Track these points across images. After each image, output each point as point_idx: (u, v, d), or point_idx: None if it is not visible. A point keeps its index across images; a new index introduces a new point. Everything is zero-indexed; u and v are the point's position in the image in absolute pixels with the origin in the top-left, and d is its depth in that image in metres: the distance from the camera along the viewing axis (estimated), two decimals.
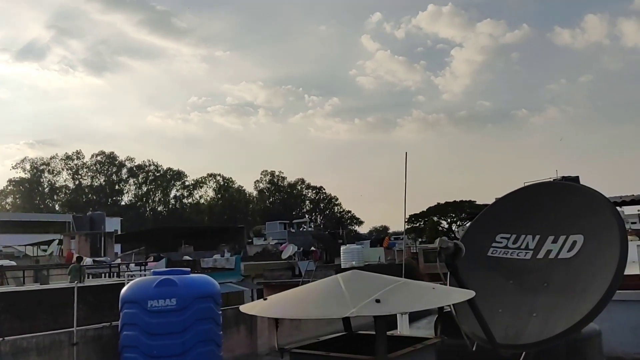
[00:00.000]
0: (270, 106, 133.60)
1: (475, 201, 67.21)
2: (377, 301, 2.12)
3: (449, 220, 73.85)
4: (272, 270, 24.16)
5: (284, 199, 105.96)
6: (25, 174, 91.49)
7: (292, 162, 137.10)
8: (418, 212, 74.79)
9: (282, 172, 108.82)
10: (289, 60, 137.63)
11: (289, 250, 31.23)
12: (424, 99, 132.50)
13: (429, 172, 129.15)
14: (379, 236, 63.16)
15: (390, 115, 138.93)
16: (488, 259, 3.44)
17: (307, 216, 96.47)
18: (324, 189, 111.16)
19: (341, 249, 27.43)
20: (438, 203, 75.31)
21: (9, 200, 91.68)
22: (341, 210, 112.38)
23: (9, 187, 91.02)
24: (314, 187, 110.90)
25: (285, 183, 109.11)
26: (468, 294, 2.45)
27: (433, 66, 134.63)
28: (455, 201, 74.26)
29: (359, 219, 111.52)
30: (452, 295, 2.45)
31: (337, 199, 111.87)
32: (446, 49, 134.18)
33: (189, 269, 9.73)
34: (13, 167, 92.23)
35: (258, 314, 2.28)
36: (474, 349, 3.02)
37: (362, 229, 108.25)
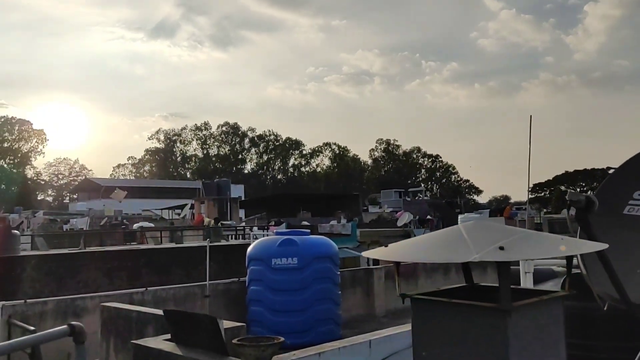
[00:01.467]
0: (386, 74, 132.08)
1: (609, 169, 61.93)
2: (501, 248, 2.09)
3: (578, 190, 68.95)
4: (387, 237, 24.25)
5: (399, 168, 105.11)
6: (160, 144, 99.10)
7: (408, 130, 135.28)
8: (543, 181, 70.72)
9: (397, 141, 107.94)
10: (405, 26, 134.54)
11: (405, 218, 31.05)
12: (552, 59, 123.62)
13: (557, 139, 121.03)
14: (500, 206, 60.72)
15: (514, 78, 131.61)
16: (624, 217, 3.21)
17: (422, 185, 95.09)
18: (441, 158, 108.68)
19: (458, 218, 26.79)
20: (566, 171, 70.69)
21: (147, 168, 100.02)
22: (458, 179, 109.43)
23: (146, 157, 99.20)
24: (430, 156, 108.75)
25: (401, 151, 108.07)
26: (599, 245, 2.32)
27: (564, 24, 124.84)
28: (586, 169, 69.16)
29: (477, 188, 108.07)
30: (581, 246, 2.34)
31: (454, 168, 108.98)
32: (579, 4, 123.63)
33: (308, 231, 10.09)
34: (149, 138, 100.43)
35: (380, 258, 2.34)
36: (605, 308, 2.86)
37: (482, 199, 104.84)
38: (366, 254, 2.47)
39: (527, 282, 4.15)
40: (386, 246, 2.35)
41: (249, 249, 9.60)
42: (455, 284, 2.81)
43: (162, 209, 45.03)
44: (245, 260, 9.59)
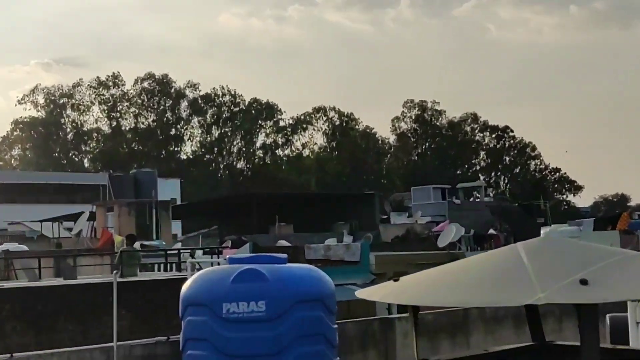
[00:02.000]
0: None
1: None
2: (583, 282, 2.13)
3: None
4: (421, 266, 24.50)
5: (442, 149, 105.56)
6: (39, 111, 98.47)
7: (456, 85, 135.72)
8: None
9: (438, 104, 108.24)
10: None
11: (451, 233, 31.19)
12: None
13: None
14: (612, 212, 61.17)
15: None
16: None
17: (481, 177, 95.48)
18: (512, 131, 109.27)
19: (541, 231, 27.00)
20: None
21: (16, 152, 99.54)
22: (542, 167, 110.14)
23: (15, 132, 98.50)
24: (494, 128, 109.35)
25: (444, 121, 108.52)
26: None
27: None
28: None
29: (574, 182, 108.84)
30: None
31: (534, 149, 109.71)
32: None
33: (284, 256, 10.09)
34: (20, 102, 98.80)
35: (382, 300, 2.40)
36: None
37: (582, 200, 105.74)
38: (361, 293, 2.47)
39: (639, 337, 4.14)
40: (396, 280, 2.35)
41: (185, 287, 9.62)
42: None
43: (41, 221, 45.00)
44: (179, 307, 9.62)
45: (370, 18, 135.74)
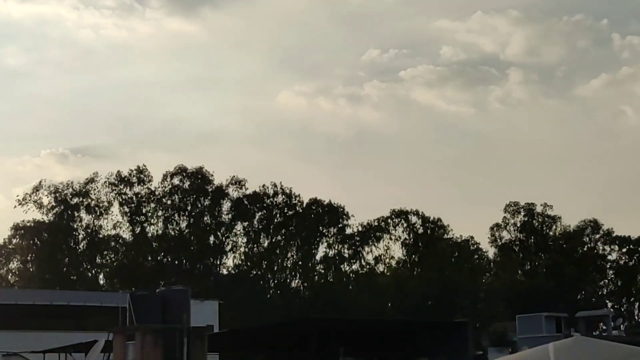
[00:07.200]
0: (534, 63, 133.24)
1: None
2: None
3: None
4: None
5: (557, 266, 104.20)
6: (43, 214, 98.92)
7: (575, 184, 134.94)
8: None
9: (551, 207, 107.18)
10: None
11: None
12: None
13: None
14: None
15: None
16: None
17: (609, 303, 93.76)
18: None
19: None
20: None
21: (15, 265, 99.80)
22: None
23: (15, 240, 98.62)
24: (625, 241, 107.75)
25: (559, 230, 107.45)
26: None
27: None
28: None
29: None
30: None
31: None
32: None
33: None
34: (21, 202, 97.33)
35: None
36: None
37: None
38: None
39: None
40: None
41: None
42: None
43: (45, 352, 45.24)
44: None
45: (469, 97, 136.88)
